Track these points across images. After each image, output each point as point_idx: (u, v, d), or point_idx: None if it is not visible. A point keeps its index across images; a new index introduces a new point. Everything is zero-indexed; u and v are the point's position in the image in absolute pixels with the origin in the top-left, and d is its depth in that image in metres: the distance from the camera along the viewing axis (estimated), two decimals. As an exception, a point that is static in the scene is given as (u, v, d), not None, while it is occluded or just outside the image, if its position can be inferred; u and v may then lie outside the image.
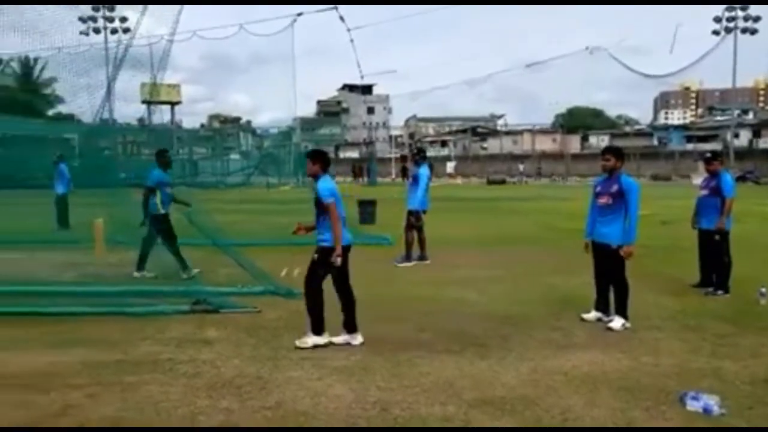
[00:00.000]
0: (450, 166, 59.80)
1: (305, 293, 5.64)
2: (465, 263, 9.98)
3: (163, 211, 8.54)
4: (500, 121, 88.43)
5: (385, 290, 7.94)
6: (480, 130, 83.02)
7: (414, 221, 9.84)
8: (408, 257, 9.80)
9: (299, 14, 12.40)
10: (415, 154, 10.51)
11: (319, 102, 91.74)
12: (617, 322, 6.06)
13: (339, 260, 5.52)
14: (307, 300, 5.61)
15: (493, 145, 75.11)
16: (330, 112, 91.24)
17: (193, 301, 6.88)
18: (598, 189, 6.40)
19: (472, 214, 19.90)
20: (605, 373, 4.83)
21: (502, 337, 5.81)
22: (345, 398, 4.32)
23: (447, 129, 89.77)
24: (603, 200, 6.28)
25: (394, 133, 75.13)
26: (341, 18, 13.36)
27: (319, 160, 5.73)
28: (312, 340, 5.54)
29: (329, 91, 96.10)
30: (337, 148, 79.07)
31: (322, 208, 5.54)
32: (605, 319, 6.25)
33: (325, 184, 5.58)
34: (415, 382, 4.65)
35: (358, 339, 5.66)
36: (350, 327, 5.72)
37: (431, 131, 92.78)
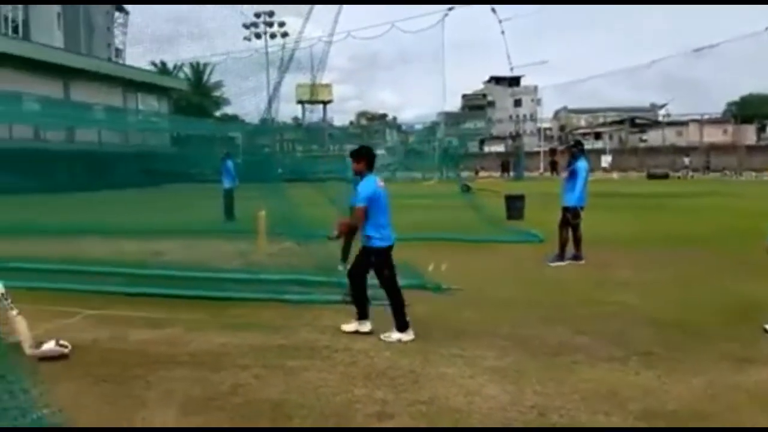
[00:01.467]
0: (605, 160, 56.55)
1: (351, 284, 5.86)
2: (625, 264, 9.33)
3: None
4: (662, 111, 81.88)
5: (537, 290, 7.66)
6: (639, 121, 77.59)
7: (571, 218, 9.37)
8: (561, 256, 9.36)
9: (450, 8, 12.31)
10: (572, 146, 10.00)
11: (464, 96, 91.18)
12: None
13: (335, 234, 5.90)
14: (351, 286, 5.85)
15: (653, 137, 69.87)
16: (475, 105, 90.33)
17: (344, 292, 7.10)
18: None
19: (632, 211, 18.59)
20: (799, 395, 4.23)
21: (671, 346, 5.33)
22: (500, 399, 4.19)
23: (601, 120, 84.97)
24: None
25: (543, 125, 72.49)
26: (493, 10, 13.09)
27: (364, 159, 5.68)
28: (352, 326, 5.77)
29: (474, 84, 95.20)
30: (482, 142, 78.13)
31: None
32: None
33: (365, 186, 5.58)
34: (574, 389, 4.40)
35: (410, 335, 5.59)
36: (402, 326, 5.62)
37: (583, 123, 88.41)
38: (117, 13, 49.36)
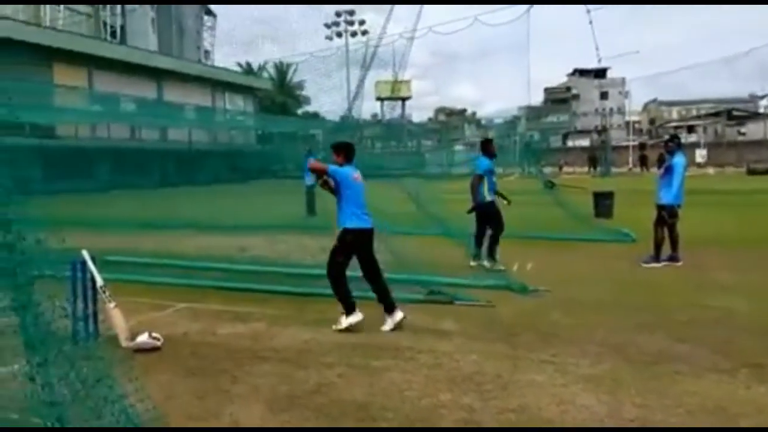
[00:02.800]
0: (700, 154, 53.42)
1: (328, 278, 5.90)
2: (726, 266, 8.68)
3: (489, 199, 8.87)
4: (763, 102, 76.34)
5: (632, 293, 7.24)
6: (736, 113, 72.69)
7: (667, 217, 8.81)
8: (657, 257, 8.82)
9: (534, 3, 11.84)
10: (667, 141, 9.40)
11: (546, 89, 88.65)
12: None
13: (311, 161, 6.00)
14: (331, 284, 5.88)
15: (753, 130, 65.20)
16: (558, 99, 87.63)
17: (427, 291, 6.98)
18: None
19: (732, 209, 17.36)
20: None
21: (787, 359, 4.86)
22: (595, 410, 3.93)
23: (694, 113, 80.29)
24: None
25: (632, 118, 69.30)
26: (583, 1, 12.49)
27: (343, 152, 5.96)
28: (345, 321, 5.77)
29: (557, 77, 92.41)
30: (565, 136, 75.73)
31: (333, 191, 5.88)
32: None
33: (341, 169, 5.86)
34: (678, 402, 4.07)
35: (398, 315, 5.82)
36: (390, 309, 5.86)
37: (675, 115, 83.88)
38: (206, 17, 51.42)
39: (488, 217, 8.80)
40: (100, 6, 37.37)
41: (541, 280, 7.75)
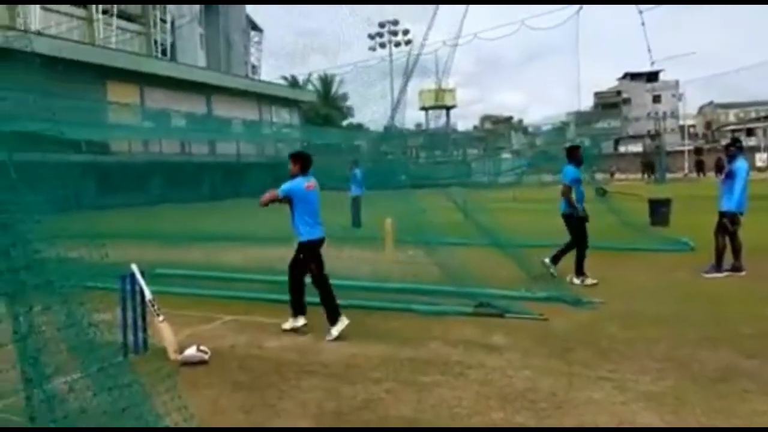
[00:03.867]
0: (760, 158, 51.25)
1: (289, 279, 6.20)
2: (796, 276, 8.18)
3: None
4: (826, 102, 72.75)
5: (693, 305, 6.89)
6: (798, 114, 69.44)
7: (729, 225, 8.37)
8: (718, 267, 8.38)
9: (584, 3, 11.52)
10: (728, 145, 8.96)
11: (596, 94, 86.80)
12: None
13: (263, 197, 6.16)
14: (290, 289, 6.19)
15: (818, 132, 62.16)
16: (608, 103, 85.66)
17: (476, 304, 6.80)
18: None
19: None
20: None
21: None
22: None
23: (753, 115, 77.14)
24: None
25: (686, 122, 67.04)
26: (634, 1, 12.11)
27: (300, 162, 6.17)
28: (292, 323, 6.11)
29: (606, 81, 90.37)
30: (616, 142, 73.89)
31: (290, 205, 6.09)
32: None
33: (291, 183, 6.08)
34: (747, 422, 3.80)
35: (344, 322, 5.96)
36: (333, 319, 5.96)
37: (732, 118, 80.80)
38: (252, 32, 52.50)
39: (576, 229, 8.30)
40: (151, 24, 38.60)
41: (596, 291, 7.48)
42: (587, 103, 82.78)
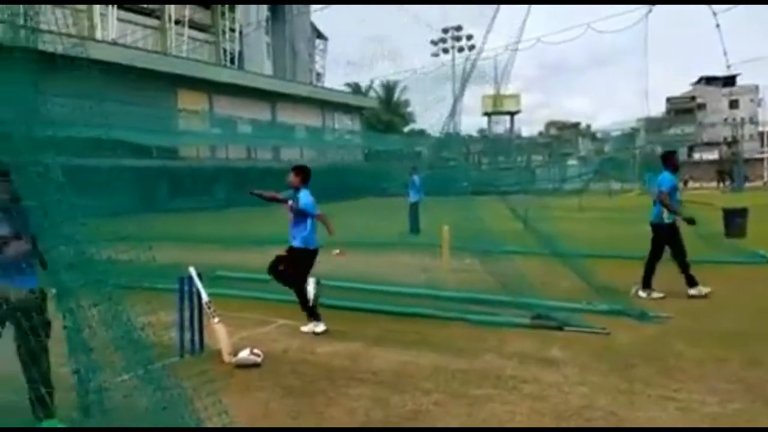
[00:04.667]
0: None
1: (296, 293, 6.44)
2: None
3: (667, 221, 7.89)
4: None
5: (768, 322, 6.43)
6: None
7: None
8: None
9: (654, 3, 11.04)
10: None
11: (668, 99, 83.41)
12: None
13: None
14: (299, 296, 6.43)
15: None
16: (681, 109, 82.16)
17: (534, 315, 6.59)
18: None
19: None
20: None
21: None
22: (728, 461, 3.44)
23: (841, 120, 72.13)
24: None
25: (766, 129, 63.45)
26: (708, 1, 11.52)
27: (301, 174, 6.49)
28: (317, 327, 6.36)
29: (679, 86, 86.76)
30: (690, 149, 70.78)
31: (302, 216, 6.37)
32: None
33: (307, 199, 6.38)
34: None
35: (320, 327, 6.32)
36: (313, 315, 6.39)
37: (818, 123, 75.84)
38: (318, 40, 53.45)
39: (670, 240, 7.82)
40: (220, 33, 39.89)
41: (663, 305, 7.11)
42: (658, 108, 79.59)
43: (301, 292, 6.43)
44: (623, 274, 8.40)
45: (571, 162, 51.17)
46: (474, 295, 7.53)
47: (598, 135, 73.80)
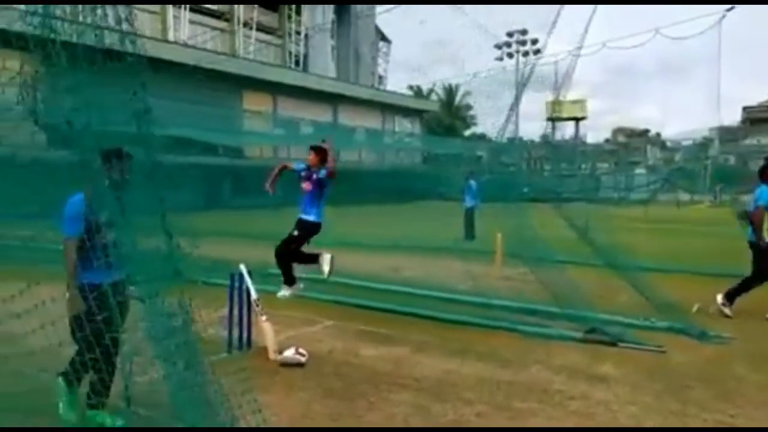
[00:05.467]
0: None
1: (278, 257, 6.57)
2: None
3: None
4: None
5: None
6: None
7: None
8: None
9: (730, 8, 10.49)
10: None
11: (744, 108, 79.44)
12: None
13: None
14: (281, 263, 6.58)
15: None
16: (759, 119, 78.05)
17: (587, 329, 6.37)
18: None
19: None
20: None
21: None
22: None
23: None
24: None
25: None
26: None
27: (321, 154, 6.55)
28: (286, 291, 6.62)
29: (756, 95, 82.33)
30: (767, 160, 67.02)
31: (319, 189, 6.49)
32: None
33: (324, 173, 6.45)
34: None
35: (289, 291, 6.65)
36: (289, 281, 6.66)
37: None
38: (381, 43, 53.73)
39: (762, 261, 7.36)
40: (286, 36, 40.68)
41: (728, 325, 6.76)
42: (732, 117, 75.80)
43: (289, 259, 6.61)
44: (687, 290, 8.07)
45: (639, 171, 49.43)
46: (524, 305, 7.35)
47: (669, 144, 71.02)
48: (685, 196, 33.70)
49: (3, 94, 3.09)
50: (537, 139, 25.97)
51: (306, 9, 41.48)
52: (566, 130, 61.11)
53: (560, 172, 44.58)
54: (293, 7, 40.49)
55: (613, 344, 6.00)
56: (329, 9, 43.21)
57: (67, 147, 2.91)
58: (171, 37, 32.11)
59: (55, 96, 3.15)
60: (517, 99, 8.51)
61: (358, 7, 44.55)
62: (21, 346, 3.48)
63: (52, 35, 2.70)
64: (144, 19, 30.39)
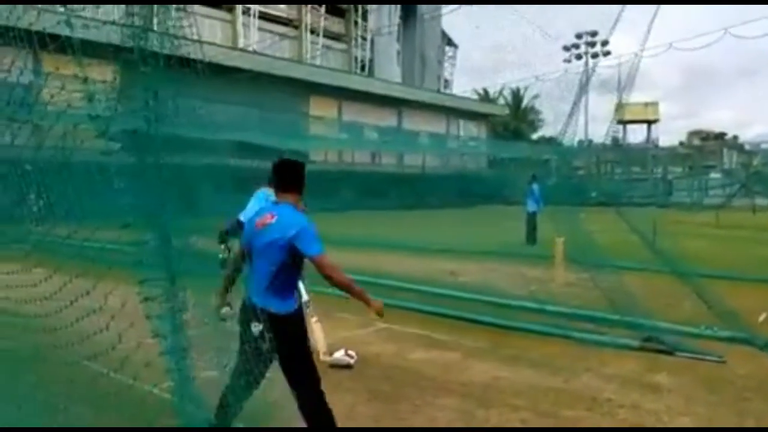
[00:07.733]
0: None
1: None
2: None
3: None
4: None
5: None
6: None
7: None
8: None
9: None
10: None
11: (834, 108, 74.18)
12: None
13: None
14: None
15: None
16: None
17: (644, 337, 6.19)
18: None
19: None
20: None
21: None
22: None
23: None
24: None
25: None
26: None
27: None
28: None
29: None
30: None
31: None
32: None
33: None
34: None
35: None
36: None
37: None
38: (447, 47, 53.61)
39: None
40: (353, 41, 41.29)
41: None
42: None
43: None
44: (755, 300, 7.68)
45: (714, 175, 47.09)
46: (581, 311, 7.22)
47: (747, 147, 67.24)
48: (762, 201, 31.80)
49: (90, 103, 2.98)
50: (607, 141, 25.19)
51: (372, 13, 41.97)
52: (637, 133, 59.02)
53: (630, 176, 43.05)
54: (360, 12, 41.07)
55: (671, 353, 5.81)
56: (395, 12, 43.55)
57: (143, 153, 2.94)
58: (241, 43, 33.24)
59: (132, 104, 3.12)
60: (579, 101, 8.35)
61: (424, 7, 44.59)
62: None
63: (141, 44, 2.76)
64: (214, 25, 31.59)
